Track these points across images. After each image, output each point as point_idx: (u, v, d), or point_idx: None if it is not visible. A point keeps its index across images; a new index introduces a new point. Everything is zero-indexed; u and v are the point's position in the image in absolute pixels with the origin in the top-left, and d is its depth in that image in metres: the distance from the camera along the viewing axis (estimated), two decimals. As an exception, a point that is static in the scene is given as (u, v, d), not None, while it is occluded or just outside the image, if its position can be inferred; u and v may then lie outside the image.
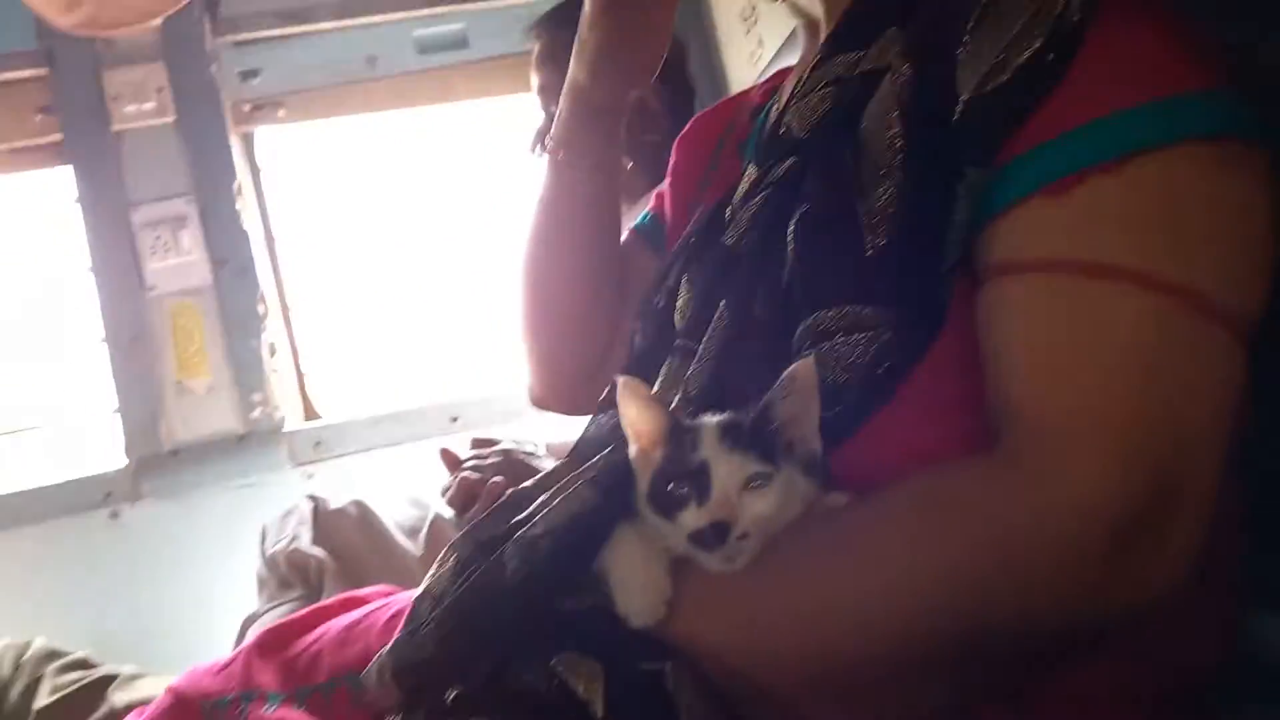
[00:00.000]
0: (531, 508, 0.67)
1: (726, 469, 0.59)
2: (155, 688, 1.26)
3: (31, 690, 1.28)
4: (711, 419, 0.62)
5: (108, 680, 1.30)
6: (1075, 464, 0.53)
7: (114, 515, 1.90)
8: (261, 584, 1.47)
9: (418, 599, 0.70)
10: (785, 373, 0.59)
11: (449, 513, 1.40)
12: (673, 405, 0.69)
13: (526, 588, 0.61)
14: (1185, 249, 0.56)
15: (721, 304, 0.69)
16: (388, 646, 0.69)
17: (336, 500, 1.48)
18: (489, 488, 1.24)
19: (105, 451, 2.03)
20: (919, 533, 0.56)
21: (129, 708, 1.22)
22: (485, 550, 0.67)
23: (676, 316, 0.78)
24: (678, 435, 0.61)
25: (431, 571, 0.70)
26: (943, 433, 0.61)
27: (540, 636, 0.61)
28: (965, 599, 0.54)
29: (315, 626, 0.91)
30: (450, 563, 0.70)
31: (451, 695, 0.60)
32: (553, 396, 1.08)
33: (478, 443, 1.38)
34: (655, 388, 0.73)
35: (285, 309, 2.23)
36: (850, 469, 0.62)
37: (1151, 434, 0.53)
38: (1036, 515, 0.53)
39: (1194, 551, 0.53)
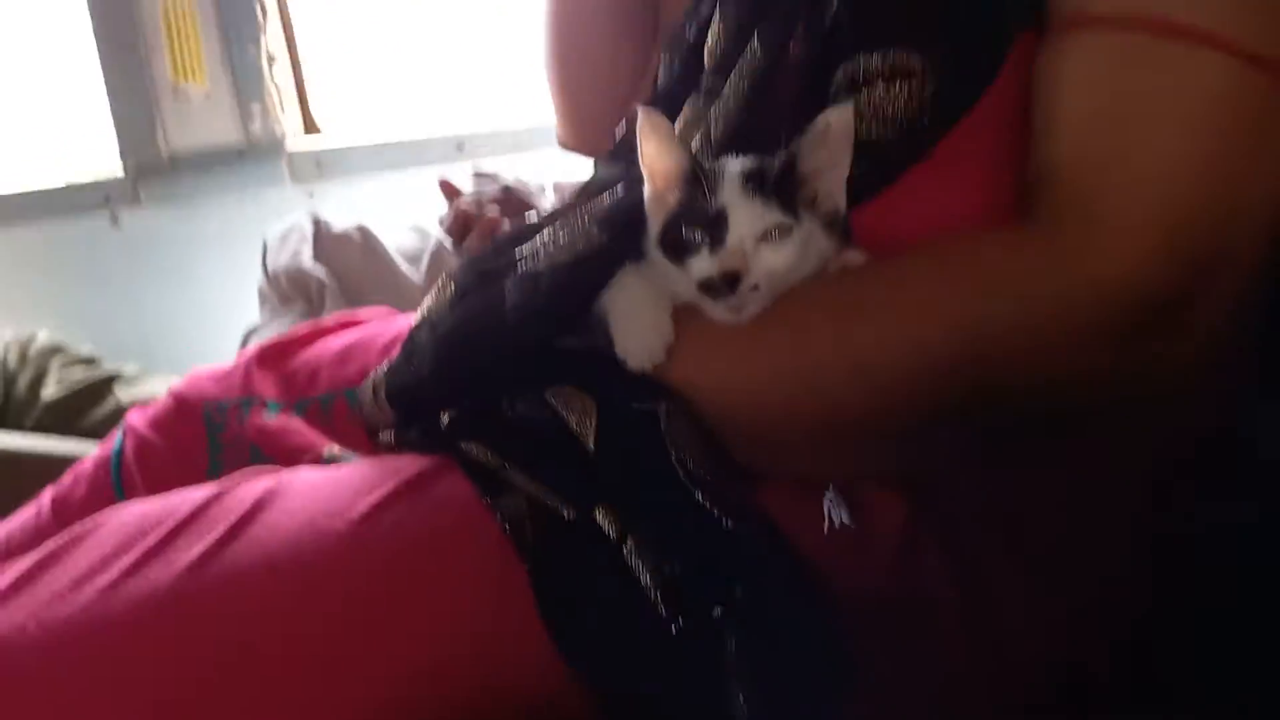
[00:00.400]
0: (535, 242, 0.65)
1: (745, 217, 0.56)
2: (159, 387, 1.29)
3: (38, 382, 1.31)
4: (734, 163, 0.58)
5: (113, 378, 1.33)
6: (1113, 237, 0.50)
7: (114, 220, 1.87)
8: (263, 298, 1.48)
9: (415, 326, 0.70)
10: (818, 120, 0.55)
11: (449, 242, 1.38)
12: (695, 147, 0.65)
13: (524, 323, 0.60)
14: (1269, 18, 0.50)
15: (755, 39, 0.64)
16: (382, 367, 0.69)
17: (339, 224, 1.46)
18: (483, 220, 1.22)
19: (102, 158, 1.98)
20: (935, 290, 0.53)
21: (134, 405, 1.26)
22: (485, 281, 0.65)
23: (706, 52, 0.72)
24: (696, 177, 0.58)
25: (429, 299, 0.69)
26: (975, 199, 0.58)
27: (536, 371, 0.60)
28: (973, 361, 0.52)
29: (314, 342, 0.91)
30: (449, 291, 0.68)
31: (446, 419, 0.61)
32: (578, 138, 1.03)
33: (479, 175, 1.34)
34: (677, 126, 0.69)
35: (286, 17, 2.10)
36: (872, 230, 0.59)
37: (1200, 214, 0.50)
38: (1061, 287, 0.50)
39: (1216, 339, 0.52)
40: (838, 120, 0.55)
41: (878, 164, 0.58)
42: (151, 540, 0.51)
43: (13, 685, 0.44)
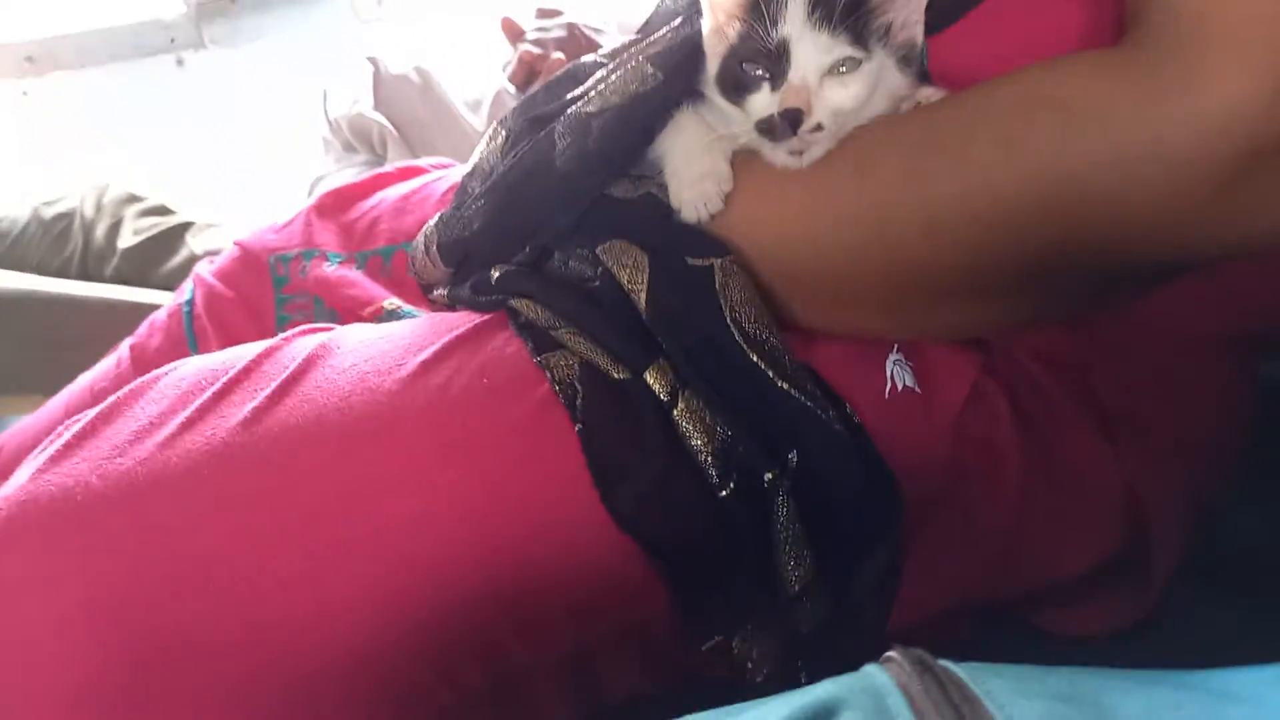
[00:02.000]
0: (588, 83, 0.60)
1: (810, 50, 0.51)
2: (228, 236, 1.30)
3: (114, 230, 1.33)
4: None
5: (185, 226, 1.34)
6: (1218, 73, 0.43)
7: (179, 62, 1.86)
8: (327, 146, 1.46)
9: (467, 175, 0.67)
10: None
11: (513, 88, 1.34)
12: None
13: (575, 170, 0.57)
14: None
15: None
16: (433, 220, 0.68)
17: (398, 66, 1.42)
18: (549, 64, 1.17)
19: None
20: (1017, 133, 0.48)
21: (205, 253, 1.28)
22: (536, 126, 0.62)
23: None
24: (758, 6, 0.53)
25: (480, 146, 0.66)
26: (1069, 20, 0.52)
27: (588, 221, 0.57)
28: (1058, 207, 0.47)
29: (373, 193, 0.90)
30: (500, 138, 0.65)
31: (496, 274, 0.59)
32: None
33: (542, 13, 1.28)
34: None
35: None
36: (952, 60, 0.54)
37: None
38: (1162, 121, 0.44)
39: None
40: None
41: None
42: (207, 395, 0.51)
43: (78, 534, 0.46)
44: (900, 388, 0.55)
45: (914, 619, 0.57)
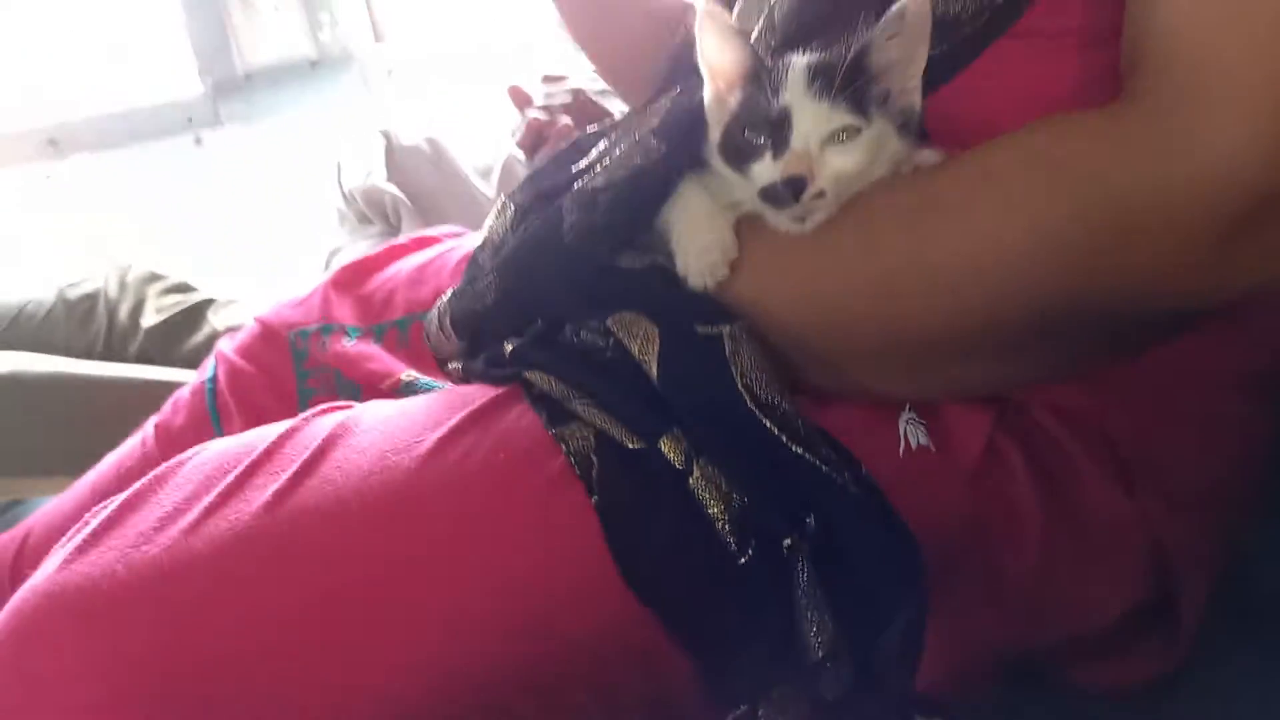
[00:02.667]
0: (592, 155, 0.62)
1: (810, 118, 0.52)
2: (249, 311, 1.33)
3: (138, 309, 1.35)
4: (800, 58, 0.54)
5: (207, 303, 1.37)
6: (1218, 123, 0.44)
7: (198, 141, 1.91)
8: (341, 218, 1.49)
9: (478, 249, 0.68)
10: (893, 8, 0.50)
11: (522, 154, 1.36)
12: (754, 36, 0.60)
13: (583, 243, 0.58)
14: None
15: None
16: (447, 295, 0.69)
17: (409, 137, 1.45)
18: (557, 130, 1.19)
19: (181, 78, 2.00)
20: (1018, 193, 0.48)
21: (227, 329, 1.30)
22: (544, 200, 0.63)
23: None
24: (758, 75, 0.54)
25: (489, 220, 0.68)
26: (1064, 77, 0.53)
27: (597, 293, 0.58)
28: (1060, 269, 0.48)
29: (389, 264, 0.91)
30: (509, 211, 0.67)
31: (509, 348, 0.60)
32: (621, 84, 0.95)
33: (548, 79, 1.31)
34: (735, 12, 0.64)
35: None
36: (949, 116, 0.55)
37: None
38: (1161, 177, 0.45)
39: None
40: (914, 9, 0.50)
41: (957, 44, 0.53)
42: (230, 479, 0.52)
43: (106, 625, 0.46)
44: (915, 446, 0.55)
45: (940, 675, 0.56)
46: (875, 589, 0.51)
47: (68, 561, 0.49)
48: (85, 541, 0.50)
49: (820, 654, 0.50)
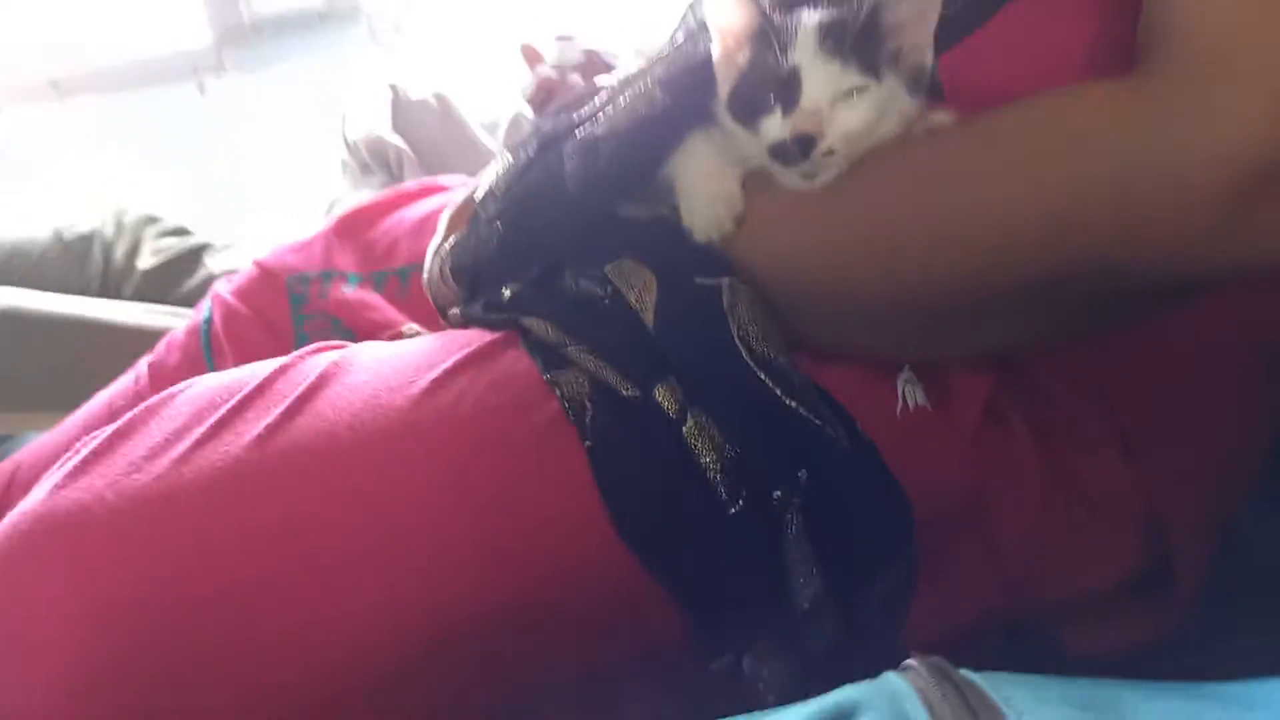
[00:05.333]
0: (595, 103, 0.61)
1: (821, 77, 0.52)
2: (246, 257, 1.32)
3: (134, 252, 1.35)
4: (810, 15, 0.53)
5: (203, 247, 1.36)
6: (1232, 98, 0.44)
7: (200, 88, 1.89)
8: (344, 168, 1.47)
9: (482, 198, 0.68)
10: None
11: (530, 111, 1.35)
12: None
13: (585, 192, 0.58)
14: None
15: None
16: (449, 241, 0.68)
17: (416, 91, 1.44)
18: (567, 89, 1.18)
19: (189, 26, 1.97)
20: (1026, 160, 0.48)
21: (223, 274, 1.30)
22: (546, 148, 0.62)
23: None
24: (768, 34, 0.53)
25: (493, 170, 0.67)
26: (1078, 36, 0.53)
27: (598, 241, 0.58)
28: (1066, 235, 0.47)
29: (394, 210, 0.91)
30: (512, 161, 0.66)
31: (508, 293, 0.60)
32: None
33: (560, 39, 1.30)
34: None
35: None
36: (962, 75, 0.55)
37: None
38: (1169, 152, 0.45)
39: None
40: None
41: (969, 3, 0.53)
42: (222, 412, 0.52)
43: (94, 548, 0.46)
44: (912, 406, 0.55)
45: (934, 634, 0.57)
46: (864, 545, 0.51)
47: (58, 487, 0.49)
48: (75, 469, 0.50)
49: (806, 606, 0.50)
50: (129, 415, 0.53)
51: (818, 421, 0.51)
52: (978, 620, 0.60)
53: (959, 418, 0.55)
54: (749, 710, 0.49)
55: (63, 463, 0.51)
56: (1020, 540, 0.56)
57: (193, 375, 0.81)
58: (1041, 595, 0.60)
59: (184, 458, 0.49)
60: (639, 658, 0.53)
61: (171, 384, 0.82)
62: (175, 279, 1.31)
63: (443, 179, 1.00)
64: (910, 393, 0.55)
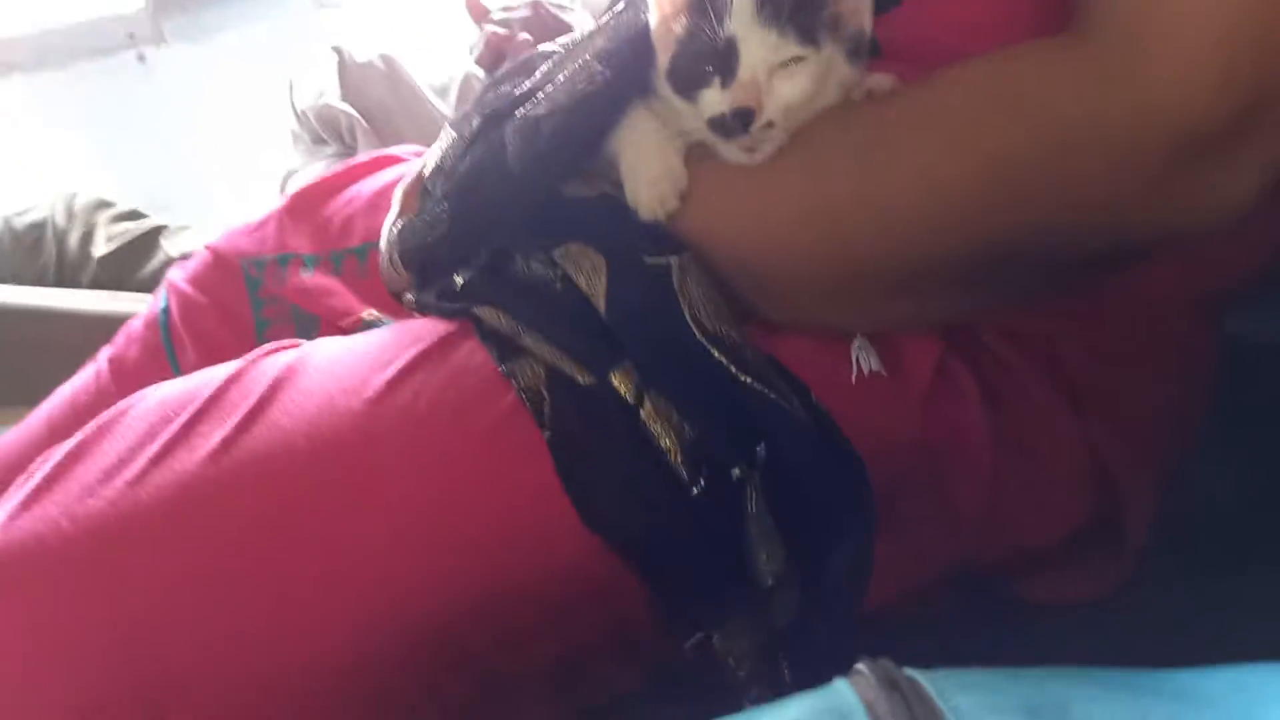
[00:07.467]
0: (536, 78, 0.60)
1: (758, 47, 0.51)
2: (203, 237, 1.30)
3: (88, 238, 1.32)
4: None
5: (159, 229, 1.34)
6: (1162, 60, 0.44)
7: (141, 59, 1.83)
8: (296, 139, 1.44)
9: (430, 175, 0.67)
10: None
11: (481, 70, 1.32)
12: None
13: (528, 171, 0.57)
14: None
15: None
16: (397, 226, 0.67)
17: (362, 54, 1.40)
18: (516, 45, 1.16)
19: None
20: (967, 127, 0.48)
21: (183, 257, 1.27)
22: (489, 125, 0.61)
23: None
24: (703, 3, 0.52)
25: (436, 149, 0.66)
26: None
27: (545, 223, 0.57)
28: (1007, 200, 0.48)
29: (347, 186, 0.89)
30: (455, 138, 0.65)
31: (460, 281, 0.59)
32: None
33: (506, -9, 1.27)
34: None
35: None
36: (902, 33, 0.54)
37: (1266, 41, 0.43)
38: (1106, 113, 0.45)
39: (1267, 178, 0.46)
40: None
41: None
42: (175, 427, 0.51)
43: (50, 579, 0.46)
44: (866, 372, 0.55)
45: (892, 594, 0.58)
46: (824, 514, 0.52)
47: (11, 517, 0.48)
48: (29, 496, 0.49)
49: (770, 582, 0.51)
50: (81, 435, 0.53)
51: (773, 396, 0.51)
52: (935, 577, 0.61)
53: (911, 380, 0.56)
54: (725, 691, 0.50)
55: (18, 487, 0.51)
56: (974, 498, 0.57)
57: (154, 368, 0.81)
58: (996, 550, 0.61)
59: (138, 478, 0.49)
60: (610, 641, 0.54)
61: (135, 379, 0.82)
62: (133, 264, 1.29)
63: (395, 150, 0.97)
64: (864, 359, 0.55)
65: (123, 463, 0.50)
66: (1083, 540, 0.61)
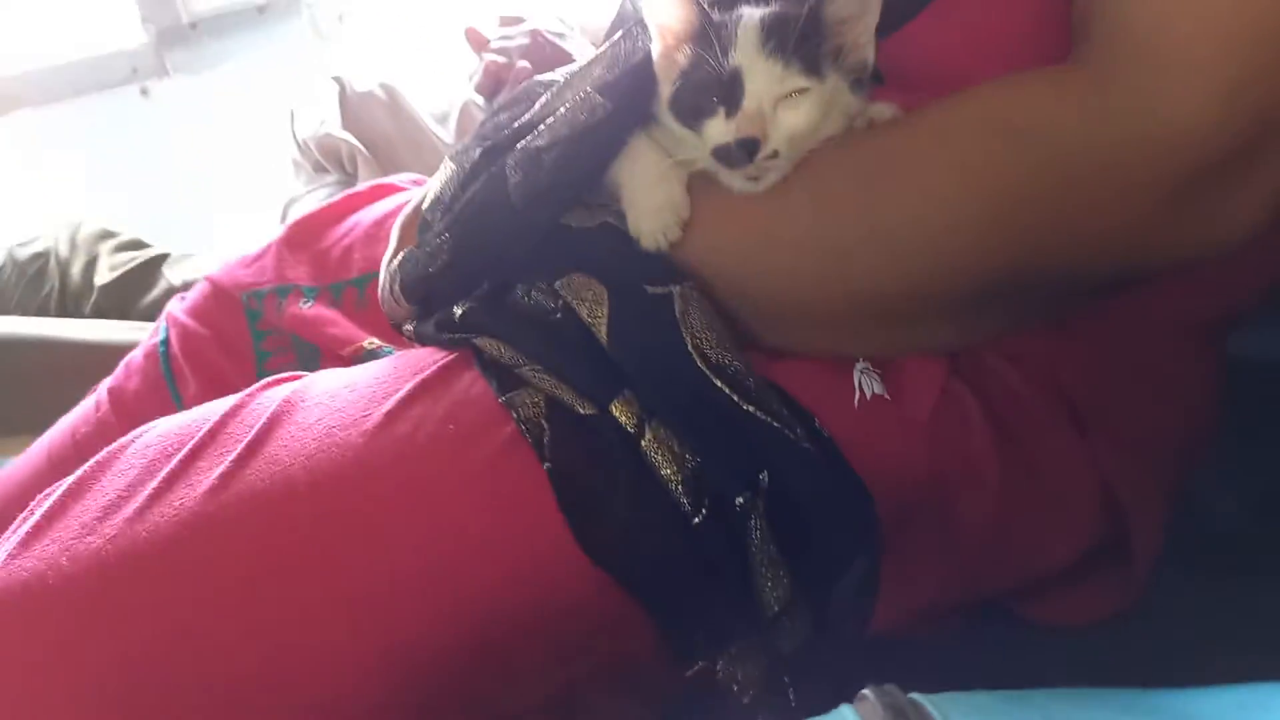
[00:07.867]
0: (536, 110, 0.60)
1: (763, 78, 0.51)
2: (205, 266, 1.30)
3: (91, 267, 1.33)
4: (752, 12, 0.52)
5: (161, 258, 1.34)
6: (1167, 90, 0.44)
7: (144, 92, 1.84)
8: (297, 168, 1.45)
9: (429, 207, 0.67)
10: None
11: (481, 98, 1.33)
12: None
13: (529, 204, 0.57)
14: None
15: None
16: (398, 258, 0.67)
17: (363, 83, 1.41)
18: (515, 73, 1.16)
19: (123, 27, 1.92)
20: (971, 157, 0.48)
21: (185, 285, 1.28)
22: (489, 158, 0.61)
23: None
24: (709, 32, 0.52)
25: (436, 180, 0.66)
26: (1012, 15, 0.52)
27: (547, 253, 0.57)
28: (1012, 231, 0.48)
29: (346, 216, 0.89)
30: (454, 171, 0.65)
31: (459, 311, 0.59)
32: None
33: (505, 21, 1.27)
34: None
35: None
36: (904, 57, 0.54)
37: (1266, 69, 0.43)
38: (1105, 143, 0.45)
39: (1270, 206, 0.47)
40: None
41: None
42: (174, 464, 0.51)
43: (51, 617, 0.46)
44: (869, 396, 0.55)
45: (899, 619, 0.57)
46: (829, 542, 0.51)
47: (11, 557, 0.48)
48: (29, 535, 0.49)
49: (776, 609, 0.51)
50: (80, 472, 0.52)
51: (775, 424, 0.51)
52: (942, 602, 0.61)
53: (914, 405, 0.55)
54: (731, 718, 0.49)
55: (17, 526, 0.50)
56: (980, 521, 0.57)
57: (154, 400, 0.81)
58: (1003, 575, 0.61)
59: (137, 515, 0.48)
60: (614, 669, 0.53)
61: (136, 411, 0.81)
62: (135, 293, 1.29)
63: (393, 179, 0.98)
64: (867, 383, 0.55)
65: (122, 500, 0.49)
66: (1089, 561, 0.61)
